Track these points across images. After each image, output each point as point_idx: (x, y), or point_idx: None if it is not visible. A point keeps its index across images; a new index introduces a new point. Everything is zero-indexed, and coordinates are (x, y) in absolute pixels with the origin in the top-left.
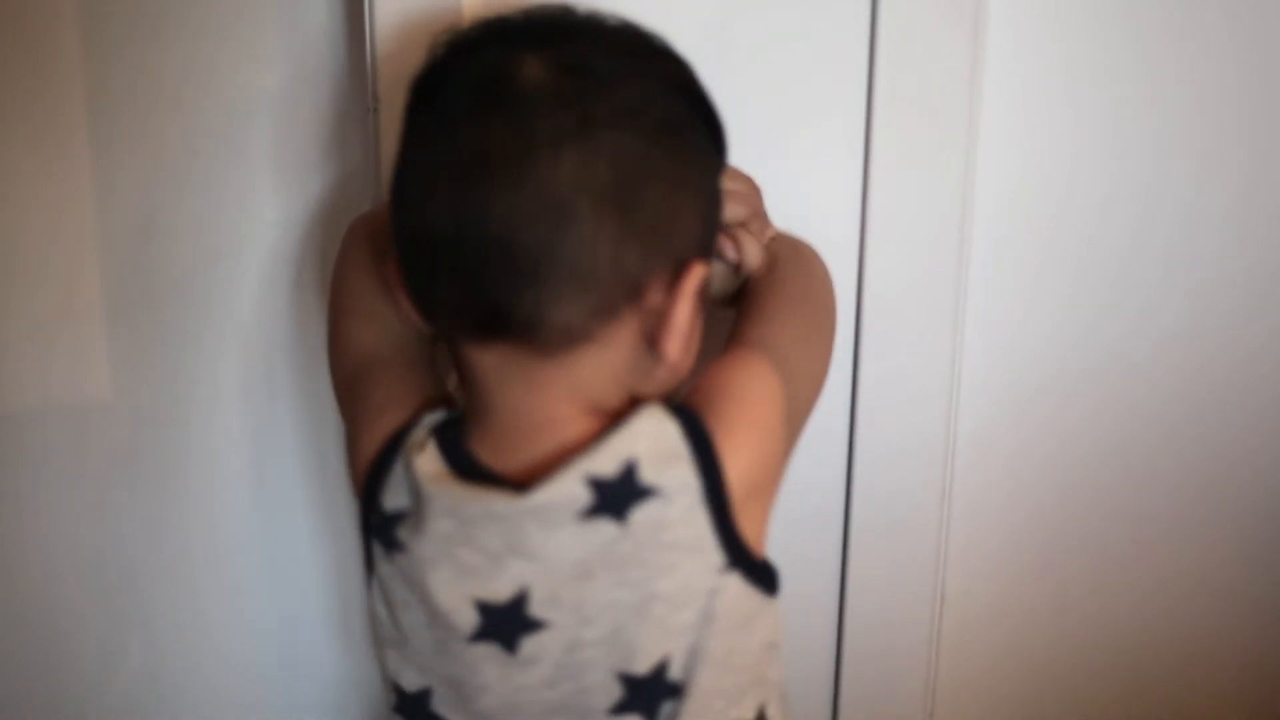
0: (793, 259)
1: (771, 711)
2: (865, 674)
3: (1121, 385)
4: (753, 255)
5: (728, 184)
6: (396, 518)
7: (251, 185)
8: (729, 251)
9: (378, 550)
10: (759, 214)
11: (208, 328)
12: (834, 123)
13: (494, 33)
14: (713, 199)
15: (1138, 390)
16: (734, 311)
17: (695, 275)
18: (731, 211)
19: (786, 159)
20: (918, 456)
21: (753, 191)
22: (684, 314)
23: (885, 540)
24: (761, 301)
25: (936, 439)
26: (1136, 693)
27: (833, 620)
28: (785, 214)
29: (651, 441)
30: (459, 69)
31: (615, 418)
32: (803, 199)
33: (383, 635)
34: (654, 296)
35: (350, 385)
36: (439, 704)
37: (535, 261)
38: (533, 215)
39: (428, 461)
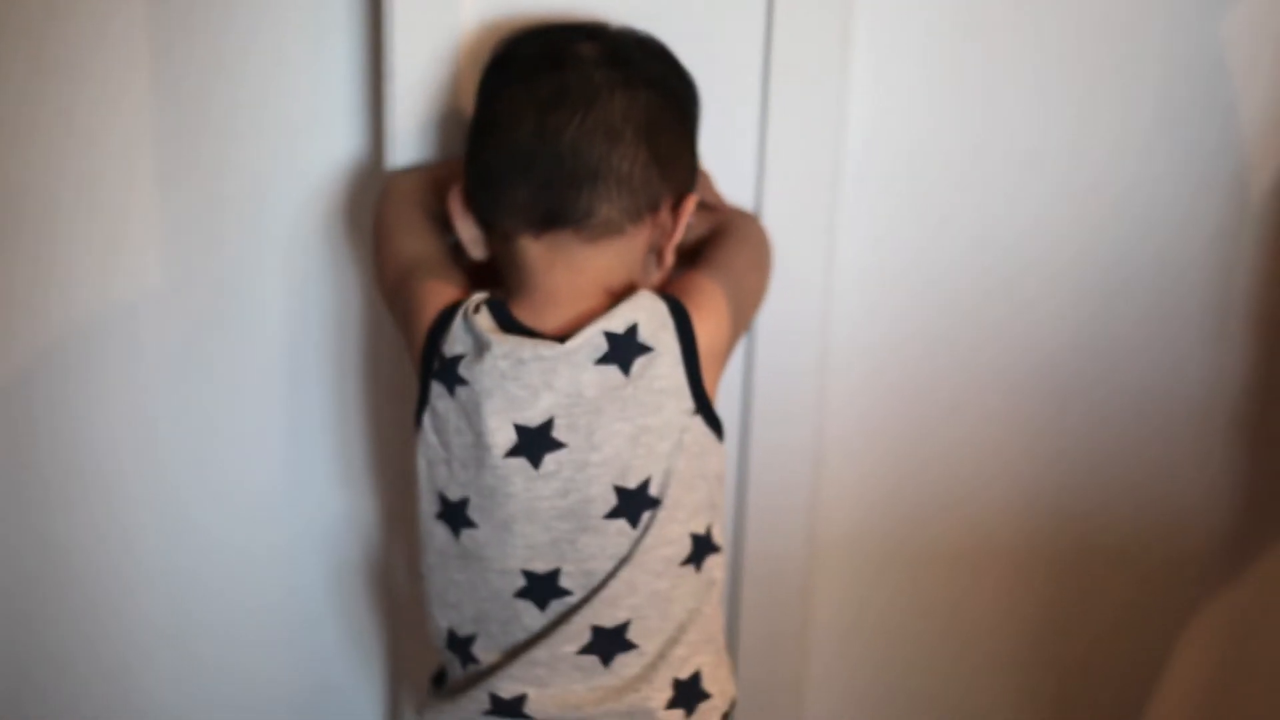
0: (743, 219)
1: (715, 531)
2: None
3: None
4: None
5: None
6: (456, 360)
7: (294, 131)
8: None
9: (437, 390)
10: (717, 195)
11: (254, 242)
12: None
13: (549, 28)
14: (696, 157)
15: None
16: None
17: (691, 203)
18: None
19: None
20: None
21: (709, 179)
22: (681, 230)
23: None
24: (722, 241)
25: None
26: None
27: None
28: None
29: (648, 313)
30: (529, 47)
31: (621, 291)
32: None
33: (434, 457)
34: (663, 214)
35: (404, 279)
36: (473, 511)
37: (595, 168)
38: (595, 135)
39: (484, 320)
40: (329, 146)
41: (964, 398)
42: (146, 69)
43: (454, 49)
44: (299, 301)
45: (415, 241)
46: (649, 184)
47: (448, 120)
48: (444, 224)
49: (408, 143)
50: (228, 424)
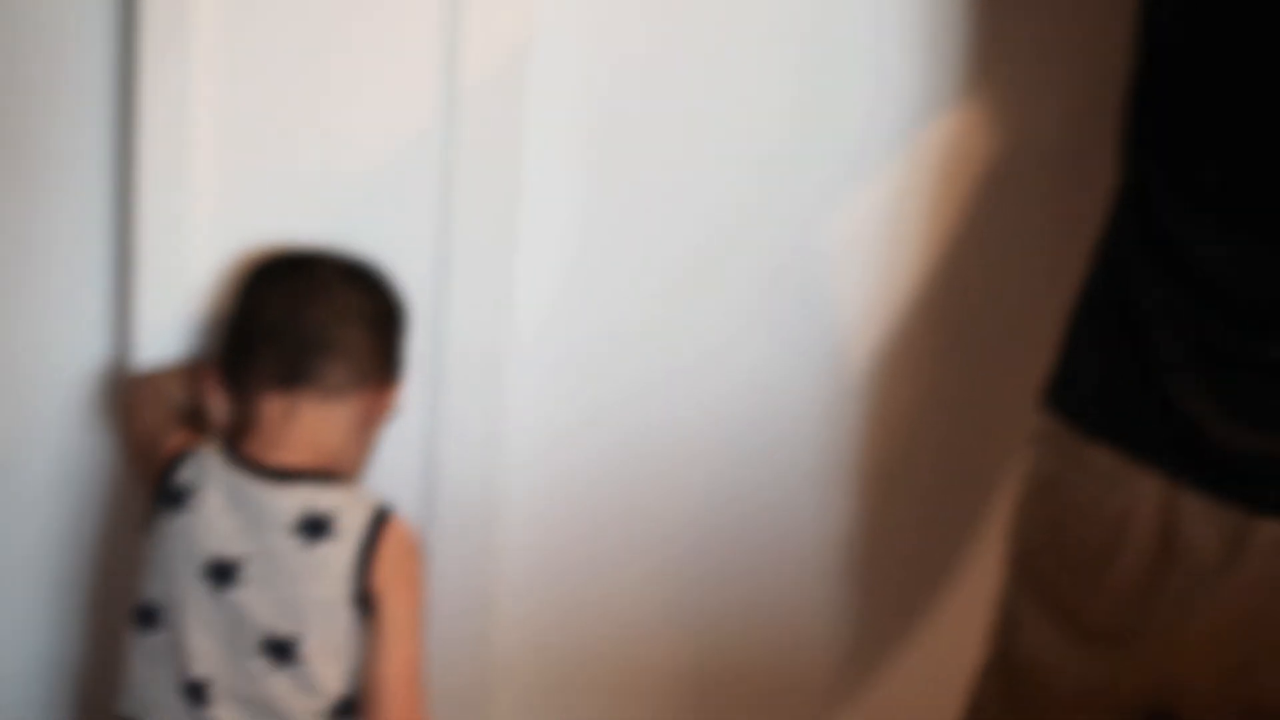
0: None
1: (354, 697)
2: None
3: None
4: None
5: None
6: (183, 492)
7: (53, 333)
8: None
9: (163, 512)
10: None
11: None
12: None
13: (297, 251)
14: (403, 357)
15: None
16: None
17: (396, 390)
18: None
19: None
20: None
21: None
22: (389, 412)
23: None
24: None
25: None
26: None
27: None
28: None
29: (351, 505)
30: (280, 261)
31: (329, 458)
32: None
33: (145, 569)
34: (375, 393)
35: (153, 432)
36: (162, 616)
37: (331, 343)
38: (332, 317)
39: (213, 460)
40: (84, 346)
41: (624, 543)
42: None
43: (191, 265)
44: (58, 472)
45: (159, 410)
46: (371, 362)
47: (185, 326)
48: (181, 406)
49: (151, 344)
50: None
